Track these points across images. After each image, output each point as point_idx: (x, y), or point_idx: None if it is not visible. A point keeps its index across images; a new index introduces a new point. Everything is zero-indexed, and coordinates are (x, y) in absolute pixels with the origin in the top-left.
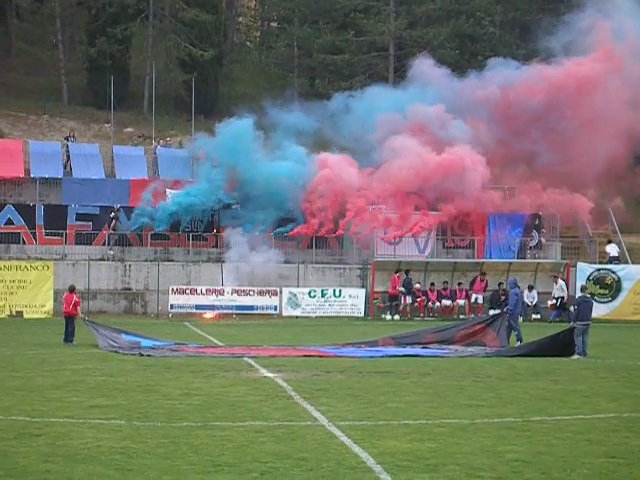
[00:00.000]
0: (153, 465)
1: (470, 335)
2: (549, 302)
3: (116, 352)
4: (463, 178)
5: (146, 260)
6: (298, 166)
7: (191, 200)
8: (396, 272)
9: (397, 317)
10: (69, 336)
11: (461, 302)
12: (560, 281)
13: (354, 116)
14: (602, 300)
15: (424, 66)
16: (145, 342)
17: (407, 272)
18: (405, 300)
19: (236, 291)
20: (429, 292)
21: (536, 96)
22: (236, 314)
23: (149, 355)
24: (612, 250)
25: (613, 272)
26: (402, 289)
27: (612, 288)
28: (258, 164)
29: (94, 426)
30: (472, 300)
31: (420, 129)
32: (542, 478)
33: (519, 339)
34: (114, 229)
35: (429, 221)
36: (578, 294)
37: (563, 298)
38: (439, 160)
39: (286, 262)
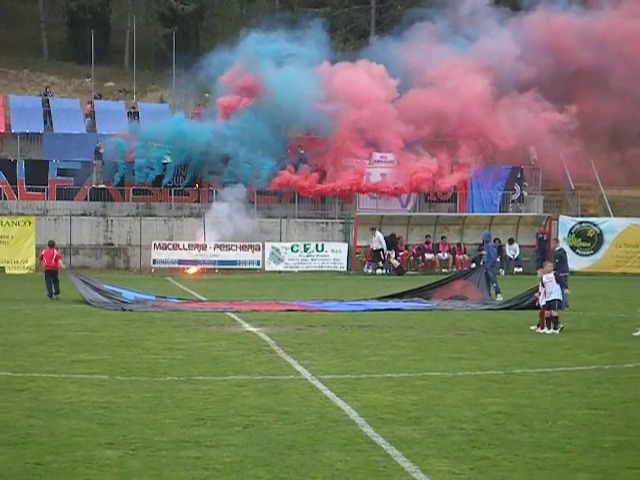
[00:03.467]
0: (136, 419)
1: (450, 292)
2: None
3: (102, 307)
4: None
5: (128, 215)
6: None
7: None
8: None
9: (379, 271)
10: (50, 290)
11: (443, 256)
12: (378, 233)
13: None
14: (584, 253)
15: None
16: (127, 293)
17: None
18: (388, 256)
19: (219, 246)
20: (414, 249)
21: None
22: (219, 269)
23: (131, 310)
24: None
25: (595, 225)
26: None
27: (594, 241)
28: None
29: (77, 381)
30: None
31: (488, 70)
32: (524, 430)
33: (498, 291)
34: (102, 163)
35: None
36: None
37: (382, 250)
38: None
39: (268, 217)
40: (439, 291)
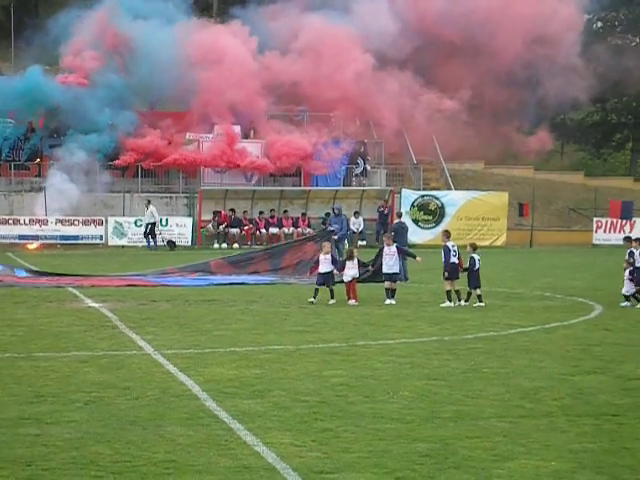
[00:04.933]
0: None
1: (300, 255)
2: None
3: None
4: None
5: None
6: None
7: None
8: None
9: (225, 245)
10: None
11: (288, 230)
12: (151, 206)
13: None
14: (426, 226)
15: None
16: None
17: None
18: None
19: (60, 221)
20: (257, 220)
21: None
22: (60, 244)
23: None
24: None
25: (437, 198)
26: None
27: (436, 214)
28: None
29: None
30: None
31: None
32: (366, 401)
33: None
34: None
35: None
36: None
37: (154, 224)
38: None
39: (111, 191)
40: (290, 252)
